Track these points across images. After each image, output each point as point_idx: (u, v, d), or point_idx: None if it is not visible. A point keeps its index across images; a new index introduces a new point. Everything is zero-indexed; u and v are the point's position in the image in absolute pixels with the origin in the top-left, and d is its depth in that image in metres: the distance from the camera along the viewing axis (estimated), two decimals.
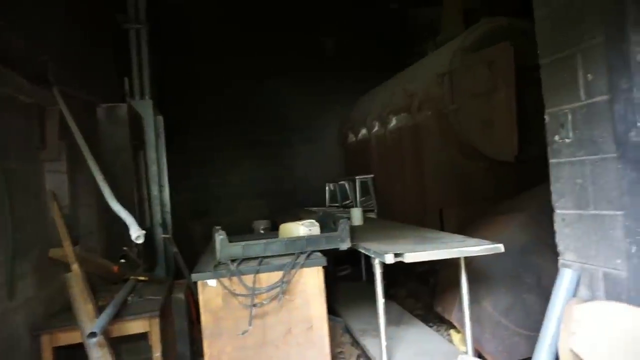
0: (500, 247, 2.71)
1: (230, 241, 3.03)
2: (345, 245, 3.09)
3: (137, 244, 2.81)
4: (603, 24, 2.15)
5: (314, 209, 6.67)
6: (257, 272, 2.79)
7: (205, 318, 2.75)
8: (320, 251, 3.10)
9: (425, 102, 4.94)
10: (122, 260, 3.77)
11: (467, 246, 2.75)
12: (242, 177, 8.07)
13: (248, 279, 2.78)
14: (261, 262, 2.92)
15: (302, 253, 2.98)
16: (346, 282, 5.78)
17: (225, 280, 2.74)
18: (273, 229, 5.86)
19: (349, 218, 4.54)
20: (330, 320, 3.82)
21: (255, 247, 2.98)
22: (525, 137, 4.28)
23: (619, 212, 2.17)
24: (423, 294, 4.94)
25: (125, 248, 3.75)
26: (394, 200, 5.76)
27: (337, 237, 3.09)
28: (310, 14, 8.16)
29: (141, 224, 4.46)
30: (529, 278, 3.61)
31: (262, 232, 7.04)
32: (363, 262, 5.54)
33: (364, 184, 6.27)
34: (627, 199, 2.11)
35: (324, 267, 2.93)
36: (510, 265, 3.57)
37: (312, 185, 7.85)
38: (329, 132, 8.29)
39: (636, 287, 2.09)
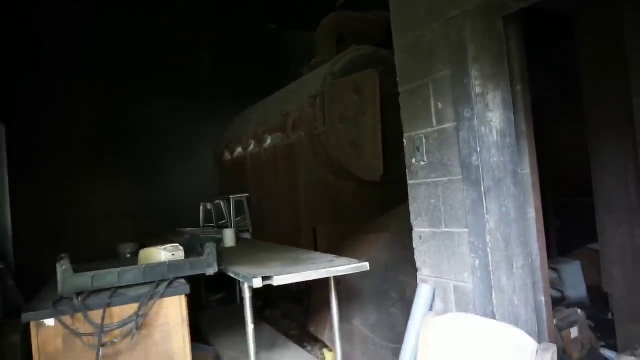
0: (365, 266, 2.78)
1: (79, 270, 2.65)
2: (212, 271, 2.91)
3: None
4: (449, 59, 2.36)
5: (187, 230, 6.30)
6: (108, 305, 2.47)
7: None
8: (188, 277, 2.88)
9: (300, 122, 5.01)
10: None
11: (335, 266, 2.78)
12: (108, 197, 7.34)
13: (97, 314, 2.44)
14: (114, 293, 2.60)
15: (163, 281, 2.72)
16: (220, 307, 5.52)
17: (67, 319, 2.37)
18: None
19: (221, 240, 4.36)
20: (200, 350, 3.57)
21: (107, 276, 2.64)
22: (390, 159, 4.56)
23: (464, 230, 2.37)
24: (298, 314, 4.92)
25: None
26: (269, 219, 5.70)
27: (203, 262, 2.89)
28: (188, 30, 7.90)
29: None
30: (394, 293, 3.80)
31: (128, 256, 6.44)
32: (238, 285, 5.35)
33: (238, 203, 6.11)
34: (470, 217, 2.32)
35: (187, 295, 2.71)
36: (377, 282, 3.73)
37: (188, 205, 7.43)
38: (206, 151, 7.99)
39: (480, 297, 2.29)
